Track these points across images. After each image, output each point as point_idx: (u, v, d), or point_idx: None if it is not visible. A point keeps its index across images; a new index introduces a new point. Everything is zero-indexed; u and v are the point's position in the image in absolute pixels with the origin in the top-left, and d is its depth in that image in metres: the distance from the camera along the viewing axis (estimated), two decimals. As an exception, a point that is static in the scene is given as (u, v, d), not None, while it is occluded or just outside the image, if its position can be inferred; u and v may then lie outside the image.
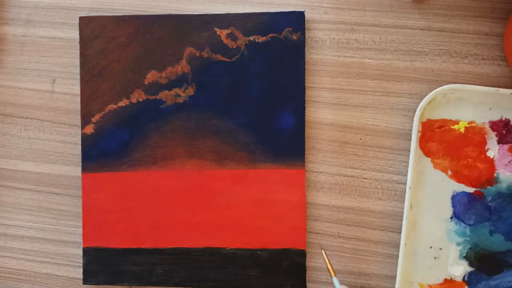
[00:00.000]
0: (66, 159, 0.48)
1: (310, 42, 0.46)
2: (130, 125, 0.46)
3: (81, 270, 0.48)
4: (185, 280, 0.46)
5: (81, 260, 0.48)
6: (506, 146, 0.44)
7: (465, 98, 0.43)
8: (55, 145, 0.48)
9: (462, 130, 0.44)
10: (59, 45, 0.48)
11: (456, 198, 0.44)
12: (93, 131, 0.47)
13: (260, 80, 0.45)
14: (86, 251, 0.47)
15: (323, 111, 0.46)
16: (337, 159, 0.46)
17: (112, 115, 0.47)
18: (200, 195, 0.46)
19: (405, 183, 0.44)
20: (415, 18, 0.45)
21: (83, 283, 0.47)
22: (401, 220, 0.44)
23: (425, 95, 0.43)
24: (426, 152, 0.44)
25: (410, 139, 0.44)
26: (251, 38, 0.45)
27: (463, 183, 0.44)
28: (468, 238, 0.44)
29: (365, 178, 0.45)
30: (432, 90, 0.43)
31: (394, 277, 0.45)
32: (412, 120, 0.44)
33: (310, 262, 0.46)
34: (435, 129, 0.44)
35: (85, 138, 0.47)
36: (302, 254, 0.45)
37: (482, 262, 0.44)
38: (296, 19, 0.45)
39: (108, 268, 0.47)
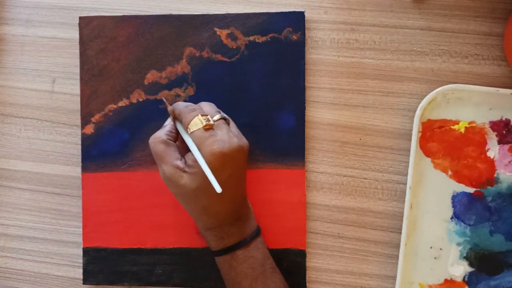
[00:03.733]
0: (66, 159, 0.48)
1: (310, 42, 0.46)
2: (130, 125, 0.46)
3: (81, 270, 0.48)
4: (185, 280, 0.46)
5: (81, 260, 0.48)
6: (506, 146, 0.44)
7: (465, 98, 0.43)
8: (55, 145, 0.48)
9: (462, 130, 0.44)
10: (59, 45, 0.48)
11: (456, 198, 0.44)
12: (93, 131, 0.47)
13: (260, 80, 0.45)
14: (86, 251, 0.47)
15: (323, 111, 0.46)
16: (337, 159, 0.46)
17: (112, 115, 0.47)
18: (200, 195, 0.46)
19: (405, 183, 0.44)
20: (415, 18, 0.45)
21: (83, 283, 0.47)
22: (401, 220, 0.44)
23: (425, 95, 0.43)
24: (426, 152, 0.44)
25: (410, 139, 0.44)
26: (251, 38, 0.45)
27: (463, 183, 0.44)
28: (468, 238, 0.44)
29: (365, 178, 0.45)
30: (433, 90, 0.43)
31: (394, 277, 0.45)
32: (412, 120, 0.44)
33: (310, 262, 0.46)
34: (435, 129, 0.44)
35: (85, 138, 0.47)
36: (302, 254, 0.45)
37: (482, 262, 0.44)
38: (296, 19, 0.45)
39: (108, 268, 0.47)
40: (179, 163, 0.39)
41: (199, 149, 0.38)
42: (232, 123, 0.43)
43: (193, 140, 0.39)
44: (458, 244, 0.44)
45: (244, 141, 0.41)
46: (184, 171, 0.39)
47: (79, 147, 0.48)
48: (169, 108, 0.42)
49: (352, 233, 0.45)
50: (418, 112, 0.43)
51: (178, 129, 0.42)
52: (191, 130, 0.39)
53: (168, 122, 0.42)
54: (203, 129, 0.39)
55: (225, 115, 0.42)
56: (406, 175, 0.44)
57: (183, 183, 0.39)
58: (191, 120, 0.39)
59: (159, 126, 0.46)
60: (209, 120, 0.39)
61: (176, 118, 0.42)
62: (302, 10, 0.45)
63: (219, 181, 0.38)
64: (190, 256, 0.46)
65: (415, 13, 0.45)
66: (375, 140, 0.45)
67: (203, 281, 0.46)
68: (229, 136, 0.39)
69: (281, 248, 0.45)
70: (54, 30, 0.48)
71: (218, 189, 0.37)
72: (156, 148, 0.40)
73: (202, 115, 0.39)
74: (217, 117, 0.40)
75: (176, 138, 0.42)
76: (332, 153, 0.46)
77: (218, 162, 0.38)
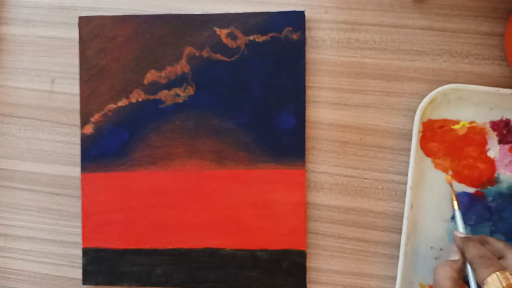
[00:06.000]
0: (66, 159, 0.48)
1: (310, 42, 0.45)
2: (129, 125, 0.46)
3: (80, 271, 0.48)
4: (184, 280, 0.46)
5: (80, 261, 0.48)
6: (507, 146, 0.44)
7: (466, 98, 0.43)
8: (54, 145, 0.48)
9: (463, 130, 0.44)
10: (59, 45, 0.48)
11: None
12: (92, 131, 0.47)
13: (260, 80, 0.45)
14: (86, 252, 0.47)
15: (324, 111, 0.46)
16: (337, 159, 0.45)
17: (112, 115, 0.46)
18: (200, 195, 0.46)
19: (406, 183, 0.44)
20: (415, 18, 0.45)
21: (83, 284, 0.47)
22: (402, 220, 0.44)
23: (426, 95, 0.43)
24: (427, 152, 0.44)
25: (410, 139, 0.44)
26: (251, 37, 0.45)
27: (463, 183, 0.44)
28: (469, 239, 0.44)
29: (365, 178, 0.45)
30: (433, 90, 0.43)
31: (394, 278, 0.45)
32: (413, 120, 0.43)
33: (310, 263, 0.46)
34: (436, 129, 0.44)
35: (84, 138, 0.47)
36: (302, 254, 0.45)
37: (483, 262, 0.44)
38: (296, 19, 0.45)
39: (108, 269, 0.47)
40: None
41: None
42: None
43: None
44: (459, 244, 0.44)
45: None
46: None
47: (79, 147, 0.47)
48: (458, 244, 0.39)
49: (352, 233, 0.45)
50: (418, 112, 0.43)
51: (467, 272, 0.39)
52: None
53: (459, 257, 0.39)
54: None
55: None
56: (406, 175, 0.44)
57: None
58: (488, 277, 0.35)
59: (159, 126, 0.46)
60: (510, 279, 0.35)
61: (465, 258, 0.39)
62: (302, 9, 0.45)
63: None
64: (190, 257, 0.46)
65: (416, 13, 0.45)
66: (376, 140, 0.45)
67: (203, 282, 0.46)
68: None
69: (281, 249, 0.45)
70: (54, 30, 0.48)
71: None
72: (441, 282, 0.38)
73: (501, 272, 0.35)
74: None
75: (463, 276, 0.39)
76: (332, 153, 0.46)
77: None
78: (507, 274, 0.35)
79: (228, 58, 0.46)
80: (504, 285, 0.34)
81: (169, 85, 0.46)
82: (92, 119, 0.47)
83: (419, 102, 0.44)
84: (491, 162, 0.44)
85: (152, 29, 0.46)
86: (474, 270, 0.37)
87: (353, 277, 0.45)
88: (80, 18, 0.47)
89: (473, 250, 0.38)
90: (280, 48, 0.45)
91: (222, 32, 0.46)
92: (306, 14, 0.45)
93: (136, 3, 0.47)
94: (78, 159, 0.48)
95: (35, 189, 0.48)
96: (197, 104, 0.46)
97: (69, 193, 0.48)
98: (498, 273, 0.35)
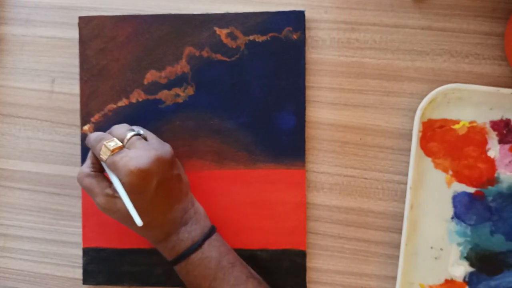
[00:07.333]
0: (66, 159, 0.48)
1: (310, 42, 0.45)
2: (129, 125, 0.46)
3: (80, 271, 0.48)
4: (185, 280, 0.46)
5: (80, 261, 0.48)
6: (507, 146, 0.44)
7: (466, 98, 0.43)
8: (54, 145, 0.48)
9: (463, 130, 0.44)
10: (59, 45, 0.48)
11: (457, 198, 0.44)
12: (92, 131, 0.47)
13: (260, 79, 0.45)
14: (86, 252, 0.47)
15: (324, 111, 0.46)
16: (337, 159, 0.45)
17: (112, 115, 0.46)
18: (200, 195, 0.46)
19: (406, 183, 0.44)
20: (415, 18, 0.45)
21: (83, 284, 0.47)
22: (402, 220, 0.44)
23: (426, 95, 0.43)
24: (427, 152, 0.44)
25: (410, 139, 0.44)
26: (251, 37, 0.45)
27: (463, 183, 0.44)
28: (468, 239, 0.44)
29: (365, 178, 0.45)
30: (433, 90, 0.43)
31: (394, 278, 0.45)
32: (413, 120, 0.43)
33: (310, 263, 0.46)
34: (436, 129, 0.44)
35: (84, 138, 0.47)
36: (302, 254, 0.45)
37: (483, 262, 0.44)
38: (296, 19, 0.45)
39: (108, 269, 0.47)
40: (109, 190, 0.40)
41: (116, 174, 0.38)
42: (151, 135, 0.42)
43: (109, 168, 0.39)
44: (459, 244, 0.44)
45: (163, 149, 0.40)
46: (115, 197, 0.40)
47: (79, 147, 0.47)
48: (86, 141, 0.42)
49: (352, 233, 0.45)
50: (418, 112, 0.43)
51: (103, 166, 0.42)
52: (103, 160, 0.39)
53: (90, 155, 0.42)
54: (113, 154, 0.39)
55: (140, 130, 0.41)
56: (406, 175, 0.44)
57: (118, 208, 0.39)
58: (100, 151, 0.39)
59: (159, 126, 0.46)
60: (117, 143, 0.39)
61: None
62: (302, 9, 0.45)
63: (148, 195, 0.38)
64: (190, 257, 0.46)
65: (416, 13, 0.45)
66: (376, 140, 0.45)
67: (203, 282, 0.46)
68: (145, 149, 0.39)
69: (281, 249, 0.45)
70: (54, 30, 0.48)
71: (139, 222, 0.38)
72: (83, 183, 0.41)
73: (107, 142, 0.39)
74: (129, 135, 0.40)
75: (100, 167, 0.42)
76: (332, 153, 0.46)
77: (139, 179, 0.38)
78: (115, 140, 0.39)
79: (228, 58, 0.45)
80: (111, 149, 0.39)
81: (169, 85, 0.46)
82: (92, 119, 0.47)
83: (419, 102, 0.44)
84: (491, 162, 0.44)
85: (152, 29, 0.46)
86: (96, 155, 0.40)
87: (353, 277, 0.45)
88: (80, 18, 0.47)
89: (89, 138, 0.41)
90: (280, 48, 0.45)
91: (222, 32, 0.46)
92: (306, 14, 0.45)
93: (136, 3, 0.47)
94: (78, 159, 0.48)
95: (35, 189, 0.48)
96: (197, 104, 0.46)
97: (69, 193, 0.48)
98: (105, 143, 0.39)
